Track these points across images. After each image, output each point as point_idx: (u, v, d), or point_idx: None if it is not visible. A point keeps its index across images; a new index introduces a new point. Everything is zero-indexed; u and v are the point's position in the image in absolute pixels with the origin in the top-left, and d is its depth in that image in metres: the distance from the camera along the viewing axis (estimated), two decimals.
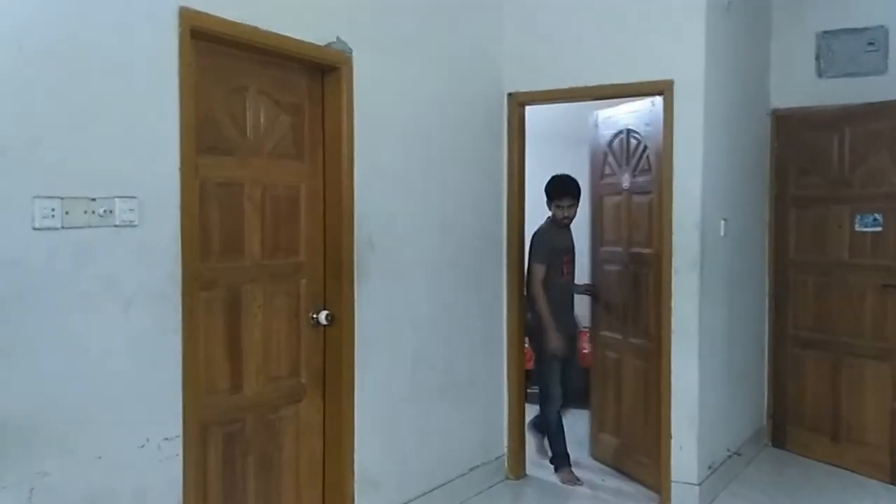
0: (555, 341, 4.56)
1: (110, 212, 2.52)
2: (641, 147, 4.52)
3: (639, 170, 4.55)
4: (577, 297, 4.94)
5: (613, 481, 4.64)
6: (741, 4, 4.63)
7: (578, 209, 4.78)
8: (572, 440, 4.82)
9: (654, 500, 4.34)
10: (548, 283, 4.59)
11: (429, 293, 4.01)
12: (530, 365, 5.06)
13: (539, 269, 4.61)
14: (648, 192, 4.45)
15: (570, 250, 4.72)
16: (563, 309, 4.69)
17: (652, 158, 4.40)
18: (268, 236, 3.26)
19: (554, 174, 4.75)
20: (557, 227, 4.67)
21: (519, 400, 4.70)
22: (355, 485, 3.56)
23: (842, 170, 4.90)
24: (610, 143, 4.81)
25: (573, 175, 4.80)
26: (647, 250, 4.46)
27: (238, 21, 2.94)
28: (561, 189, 4.61)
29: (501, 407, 4.65)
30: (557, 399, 4.68)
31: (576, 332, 4.88)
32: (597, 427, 5.02)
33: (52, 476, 2.38)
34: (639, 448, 4.58)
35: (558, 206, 4.59)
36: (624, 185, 4.65)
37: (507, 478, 4.67)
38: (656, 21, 4.22)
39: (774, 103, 5.25)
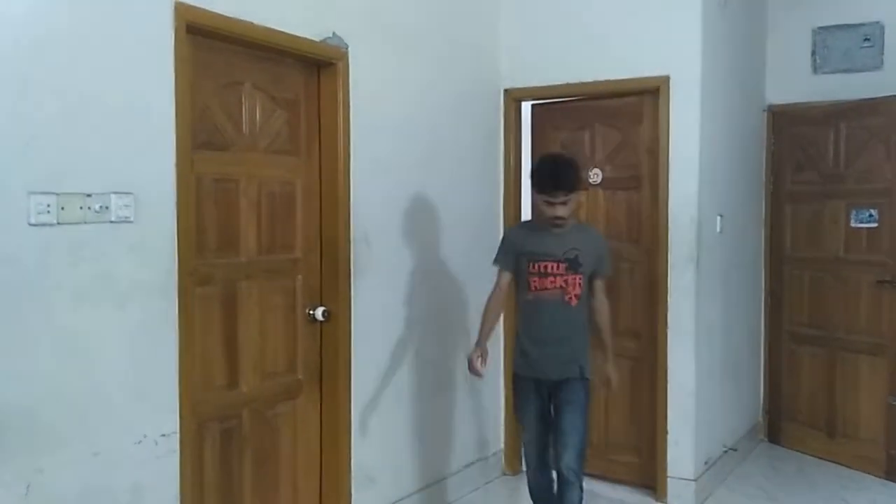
0: (472, 363, 3.35)
1: (106, 207, 2.51)
2: (618, 141, 4.45)
3: (616, 164, 4.49)
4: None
5: (602, 482, 4.48)
6: (737, 0, 4.63)
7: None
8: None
9: (648, 496, 4.34)
10: (517, 300, 3.45)
11: (425, 289, 4.01)
12: None
13: (499, 275, 3.42)
14: (631, 188, 4.42)
15: (551, 256, 3.27)
16: (526, 338, 3.36)
17: (641, 153, 4.38)
18: (264, 232, 3.25)
19: (544, 154, 3.63)
20: (539, 225, 3.43)
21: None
22: (352, 480, 3.56)
23: (837, 165, 4.91)
24: (568, 139, 4.61)
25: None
26: (630, 246, 4.41)
27: (233, 16, 2.93)
28: (552, 178, 3.23)
29: (498, 403, 4.65)
30: (528, 443, 3.45)
31: (548, 376, 3.33)
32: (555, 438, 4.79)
33: (48, 473, 2.38)
34: (619, 448, 4.51)
35: (548, 203, 3.23)
36: (591, 180, 4.52)
37: (504, 474, 4.68)
38: (653, 17, 4.22)
39: (770, 99, 5.26)
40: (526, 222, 3.82)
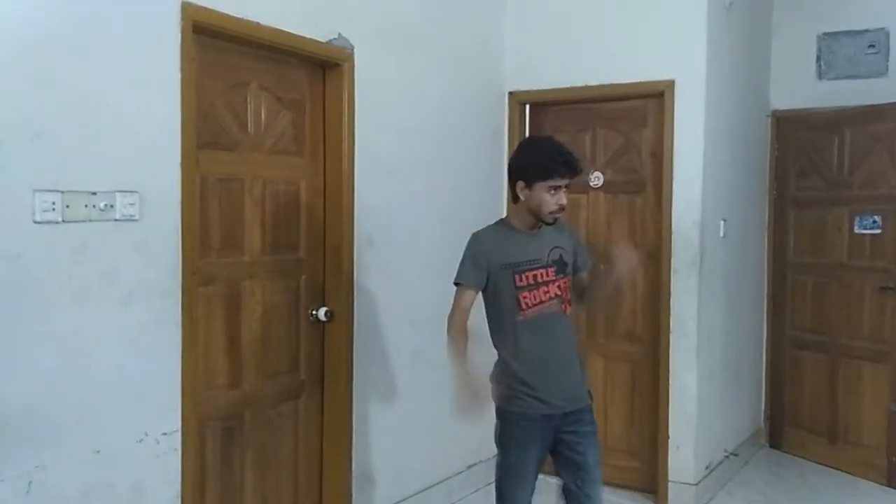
0: (464, 411, 2.68)
1: (111, 206, 2.52)
2: (621, 144, 4.44)
3: (619, 168, 4.47)
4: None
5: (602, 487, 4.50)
6: (742, 5, 4.63)
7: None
8: None
9: (649, 500, 4.33)
10: (495, 325, 2.81)
11: (428, 290, 4.00)
12: None
13: (461, 296, 2.77)
14: (634, 192, 4.41)
15: (537, 261, 2.77)
16: (523, 367, 2.75)
17: (645, 157, 4.37)
18: (268, 232, 3.26)
19: (531, 139, 2.90)
20: (511, 226, 2.87)
21: None
22: (353, 481, 3.56)
23: (841, 171, 4.90)
24: (566, 142, 4.56)
25: None
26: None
27: (240, 16, 2.93)
28: (563, 158, 2.73)
29: None
30: None
31: (560, 408, 2.78)
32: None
33: (50, 470, 2.38)
34: (620, 452, 4.46)
35: (554, 190, 2.71)
36: (592, 183, 4.49)
37: None
38: (658, 21, 4.22)
39: (775, 104, 5.25)
40: (493, 226, 2.93)
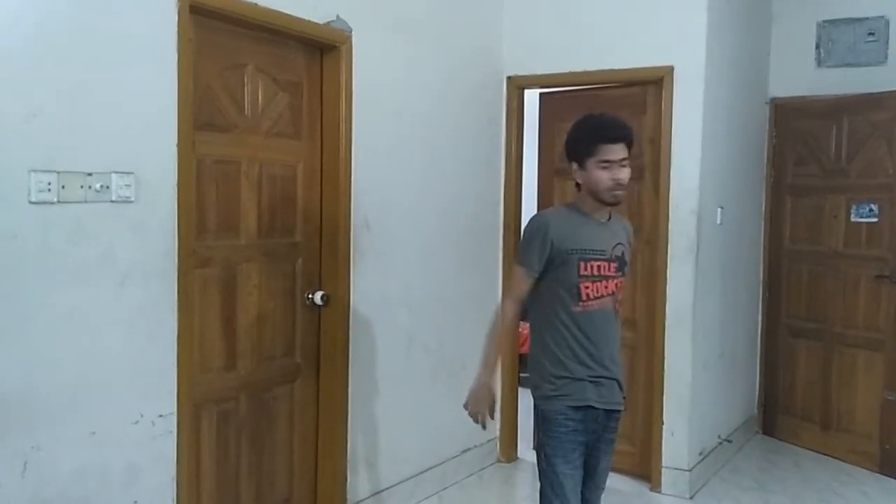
0: (479, 414, 2.77)
1: (107, 187, 2.50)
2: None
3: None
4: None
5: None
6: None
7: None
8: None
9: (643, 485, 4.35)
10: (544, 314, 2.62)
11: (424, 275, 4.01)
12: (524, 349, 5.05)
13: (522, 280, 2.62)
14: (632, 178, 4.33)
15: (602, 253, 2.60)
16: (577, 361, 2.60)
17: (644, 144, 4.35)
18: (264, 215, 3.24)
19: (583, 115, 2.68)
20: (581, 210, 2.64)
21: (511, 384, 4.70)
22: (347, 465, 3.57)
23: (839, 160, 4.90)
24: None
25: None
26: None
27: None
28: (611, 126, 2.59)
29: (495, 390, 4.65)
30: None
31: (609, 406, 2.67)
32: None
33: (45, 451, 2.38)
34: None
35: (605, 164, 2.52)
36: None
37: (499, 461, 4.69)
38: (657, 7, 4.21)
39: (773, 92, 5.24)
40: (562, 209, 2.78)
